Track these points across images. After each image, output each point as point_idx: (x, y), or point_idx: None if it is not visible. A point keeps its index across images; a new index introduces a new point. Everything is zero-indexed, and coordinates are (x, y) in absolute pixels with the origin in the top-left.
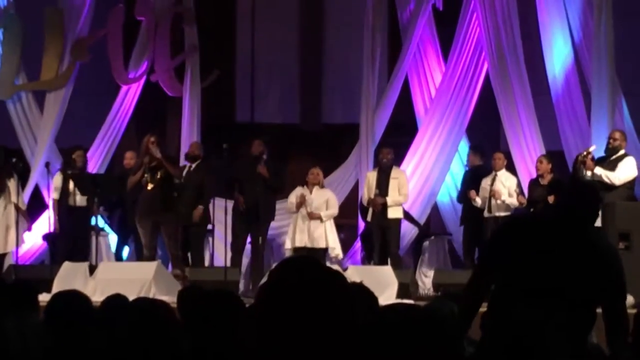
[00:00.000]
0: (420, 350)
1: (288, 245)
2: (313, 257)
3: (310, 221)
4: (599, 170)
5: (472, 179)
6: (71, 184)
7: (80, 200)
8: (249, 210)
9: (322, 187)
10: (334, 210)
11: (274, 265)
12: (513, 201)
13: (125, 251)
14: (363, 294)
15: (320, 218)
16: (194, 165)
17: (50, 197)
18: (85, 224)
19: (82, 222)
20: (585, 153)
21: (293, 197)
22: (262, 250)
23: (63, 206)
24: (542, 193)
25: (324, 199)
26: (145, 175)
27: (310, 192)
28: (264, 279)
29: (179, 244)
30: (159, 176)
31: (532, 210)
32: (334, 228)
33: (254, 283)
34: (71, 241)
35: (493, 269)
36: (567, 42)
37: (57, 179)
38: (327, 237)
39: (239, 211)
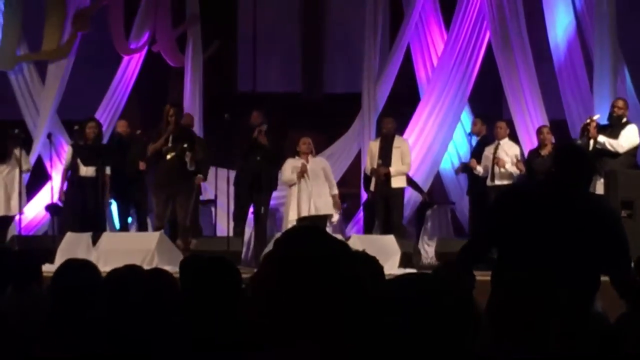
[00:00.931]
0: (430, 319)
1: (293, 216)
2: (319, 227)
3: (313, 190)
4: (602, 139)
5: (481, 149)
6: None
7: (88, 171)
8: (250, 180)
9: (314, 155)
10: (332, 176)
11: (277, 235)
12: (514, 169)
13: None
14: (368, 262)
15: (335, 199)
16: None
17: (53, 167)
18: (95, 195)
19: (91, 193)
20: (588, 121)
21: (290, 168)
22: (264, 220)
23: (72, 177)
24: (541, 162)
25: (321, 166)
26: (169, 144)
27: (306, 161)
28: (268, 248)
29: (189, 216)
30: (179, 147)
31: (532, 180)
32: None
33: (257, 253)
34: (78, 212)
35: (491, 237)
36: (570, 10)
37: (69, 151)
38: (328, 203)
39: (241, 181)
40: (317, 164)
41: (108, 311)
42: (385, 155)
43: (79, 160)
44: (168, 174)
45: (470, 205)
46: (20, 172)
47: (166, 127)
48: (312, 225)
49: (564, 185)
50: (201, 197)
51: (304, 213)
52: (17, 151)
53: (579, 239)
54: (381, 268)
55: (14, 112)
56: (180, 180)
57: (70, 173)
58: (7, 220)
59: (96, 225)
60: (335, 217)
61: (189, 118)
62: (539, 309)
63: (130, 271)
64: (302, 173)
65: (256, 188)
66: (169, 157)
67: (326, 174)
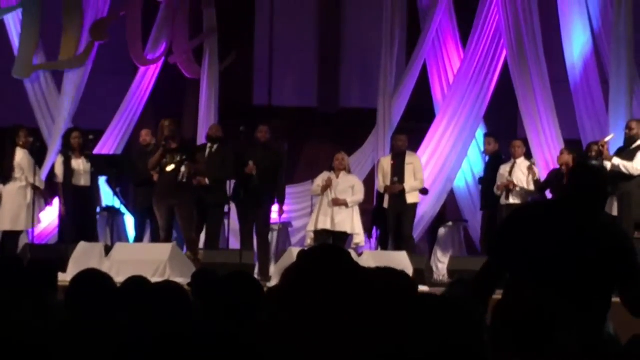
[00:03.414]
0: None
1: (311, 227)
2: (344, 249)
3: (334, 205)
4: (617, 161)
5: (494, 165)
6: (73, 165)
7: (84, 180)
8: (250, 196)
9: (348, 172)
10: (360, 196)
11: (291, 249)
12: (530, 186)
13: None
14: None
15: (345, 204)
16: (215, 147)
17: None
18: (91, 204)
19: (88, 202)
20: (600, 143)
21: (319, 180)
22: (265, 234)
23: (67, 188)
24: (558, 175)
25: (350, 184)
26: (165, 158)
27: (337, 177)
28: (283, 261)
29: (193, 226)
30: (178, 159)
31: (545, 197)
32: (359, 214)
33: (262, 267)
34: (78, 222)
35: (502, 257)
36: (586, 29)
37: (59, 163)
38: (352, 223)
39: (241, 196)
40: (347, 181)
41: (122, 321)
42: (398, 172)
43: (76, 169)
44: (167, 187)
45: (482, 221)
46: (33, 187)
47: (160, 142)
48: (335, 246)
49: (576, 204)
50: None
51: (321, 226)
52: (25, 164)
53: (588, 258)
54: (414, 284)
55: (30, 120)
56: (179, 193)
57: (65, 184)
58: (17, 232)
59: (90, 235)
60: (359, 239)
61: (217, 129)
62: (547, 328)
63: (140, 284)
64: (326, 188)
65: (255, 203)
66: (168, 169)
67: (354, 192)
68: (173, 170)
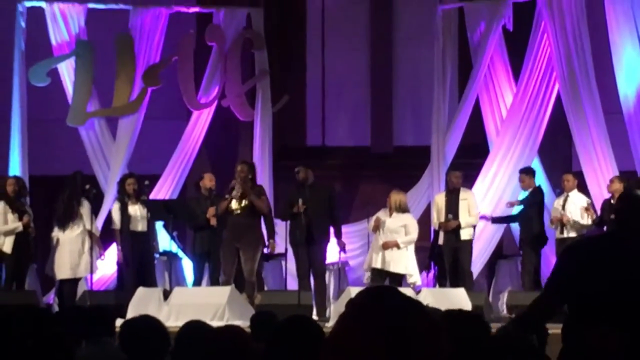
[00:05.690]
0: None
1: (365, 265)
2: (392, 287)
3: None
4: None
5: (534, 200)
6: (130, 211)
7: (141, 226)
8: (304, 235)
9: (403, 211)
10: (413, 235)
11: (347, 289)
12: (584, 219)
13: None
14: (472, 322)
15: (395, 245)
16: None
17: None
18: (149, 249)
19: (145, 247)
20: None
21: (373, 219)
22: (322, 274)
23: (125, 234)
24: (610, 208)
25: (402, 223)
26: (234, 202)
27: (390, 215)
28: (340, 302)
29: (255, 270)
30: (244, 203)
31: (602, 230)
32: (413, 254)
33: (319, 307)
34: (137, 267)
35: (560, 291)
36: (639, 59)
37: (115, 209)
38: (405, 263)
39: (295, 237)
40: (399, 220)
41: None
42: (453, 208)
43: (132, 215)
44: (234, 230)
45: (523, 257)
46: (90, 234)
47: (236, 185)
48: (386, 286)
49: (627, 235)
50: (267, 250)
51: (374, 264)
52: (83, 210)
53: None
54: (487, 326)
55: (85, 167)
56: (246, 236)
57: (122, 230)
58: (76, 279)
59: (148, 280)
60: (413, 279)
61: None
62: None
63: (199, 328)
64: (376, 227)
65: (310, 242)
66: (235, 214)
67: (406, 231)
68: (240, 214)
